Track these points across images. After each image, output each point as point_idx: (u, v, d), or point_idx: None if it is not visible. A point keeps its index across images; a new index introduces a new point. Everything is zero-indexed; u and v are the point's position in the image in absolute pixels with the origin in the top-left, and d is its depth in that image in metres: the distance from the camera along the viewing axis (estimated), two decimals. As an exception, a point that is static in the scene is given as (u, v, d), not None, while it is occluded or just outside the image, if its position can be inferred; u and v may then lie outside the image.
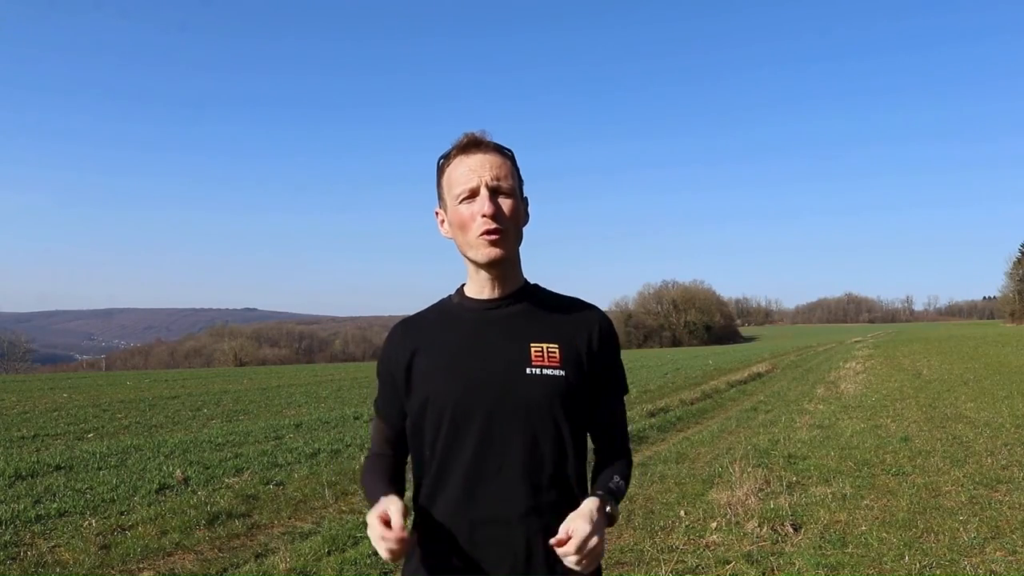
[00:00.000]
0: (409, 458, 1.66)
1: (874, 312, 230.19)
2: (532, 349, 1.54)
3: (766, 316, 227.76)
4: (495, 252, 1.52)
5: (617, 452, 1.64)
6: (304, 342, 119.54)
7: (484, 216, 1.50)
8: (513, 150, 1.62)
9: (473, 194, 1.53)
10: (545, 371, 1.52)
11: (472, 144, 1.56)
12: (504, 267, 1.58)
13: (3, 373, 55.10)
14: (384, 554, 1.39)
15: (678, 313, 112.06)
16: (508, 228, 1.53)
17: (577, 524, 1.38)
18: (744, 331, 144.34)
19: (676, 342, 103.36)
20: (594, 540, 1.37)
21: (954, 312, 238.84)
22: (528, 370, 1.51)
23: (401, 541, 1.38)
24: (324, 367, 49.08)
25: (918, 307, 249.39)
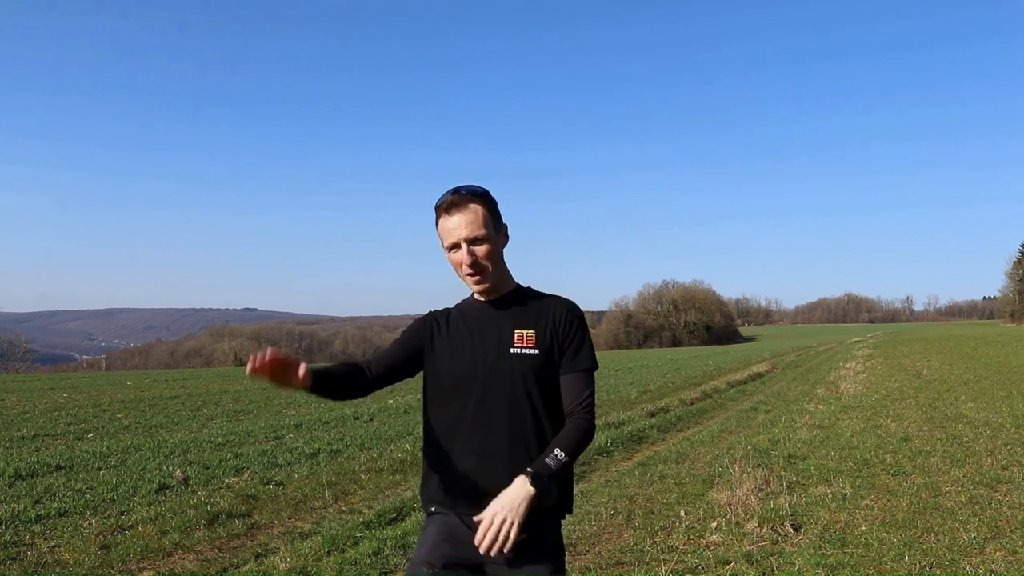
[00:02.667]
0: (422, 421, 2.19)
1: (874, 312, 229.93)
2: (515, 334, 2.08)
3: (766, 316, 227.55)
4: (480, 287, 2.11)
5: (574, 418, 2.04)
6: (304, 342, 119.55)
7: (466, 265, 2.06)
8: (488, 190, 2.11)
9: (456, 247, 2.06)
10: (523, 350, 2.06)
11: (451, 205, 2.05)
12: (490, 288, 2.12)
13: (3, 373, 55.08)
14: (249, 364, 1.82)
15: (678, 313, 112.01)
16: (486, 267, 2.07)
17: (485, 513, 1.89)
18: (744, 331, 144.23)
19: (676, 342, 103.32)
20: (499, 520, 1.86)
21: (954, 312, 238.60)
22: (511, 350, 2.06)
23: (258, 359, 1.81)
24: (324, 367, 49.03)
25: (918, 307, 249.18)
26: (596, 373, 2.13)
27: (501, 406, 2.02)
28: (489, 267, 2.06)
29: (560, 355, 2.06)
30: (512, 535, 1.85)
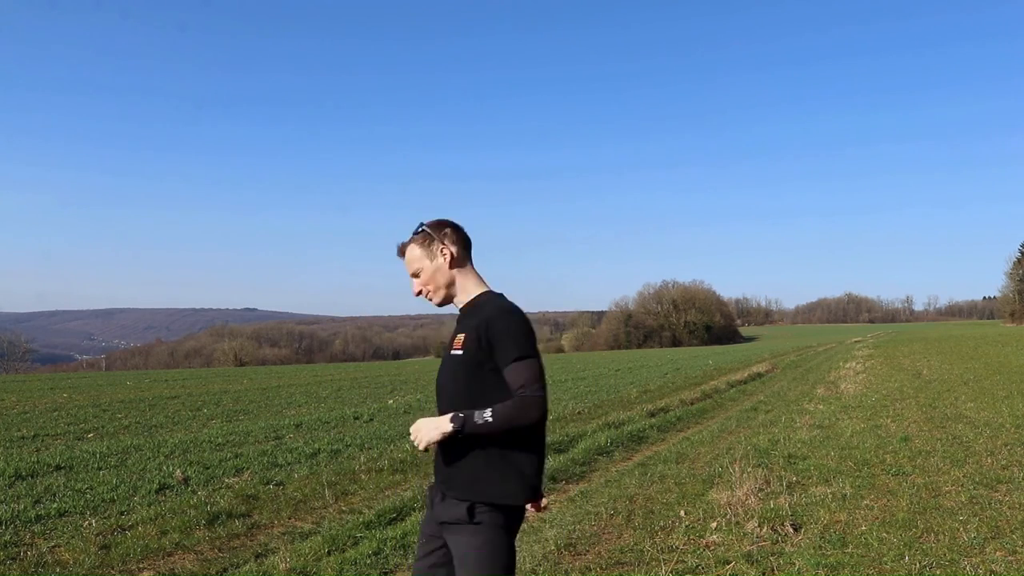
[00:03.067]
0: None
1: (874, 312, 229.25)
2: (456, 339, 2.48)
3: (766, 316, 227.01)
4: (434, 305, 2.61)
5: (517, 396, 2.36)
6: (304, 342, 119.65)
7: (414, 295, 2.62)
8: (427, 225, 2.58)
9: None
10: (456, 352, 2.45)
11: (400, 253, 2.62)
12: (447, 304, 2.60)
13: (3, 373, 55.09)
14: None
15: (678, 313, 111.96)
16: (430, 291, 2.57)
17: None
18: (744, 331, 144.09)
19: (676, 342, 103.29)
20: (415, 433, 2.40)
21: (954, 312, 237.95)
22: (452, 352, 2.49)
23: None
24: (324, 367, 49.10)
25: (918, 307, 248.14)
26: (548, 365, 2.57)
27: (446, 402, 2.47)
28: (431, 290, 2.57)
29: (492, 355, 2.38)
30: (419, 448, 2.39)
